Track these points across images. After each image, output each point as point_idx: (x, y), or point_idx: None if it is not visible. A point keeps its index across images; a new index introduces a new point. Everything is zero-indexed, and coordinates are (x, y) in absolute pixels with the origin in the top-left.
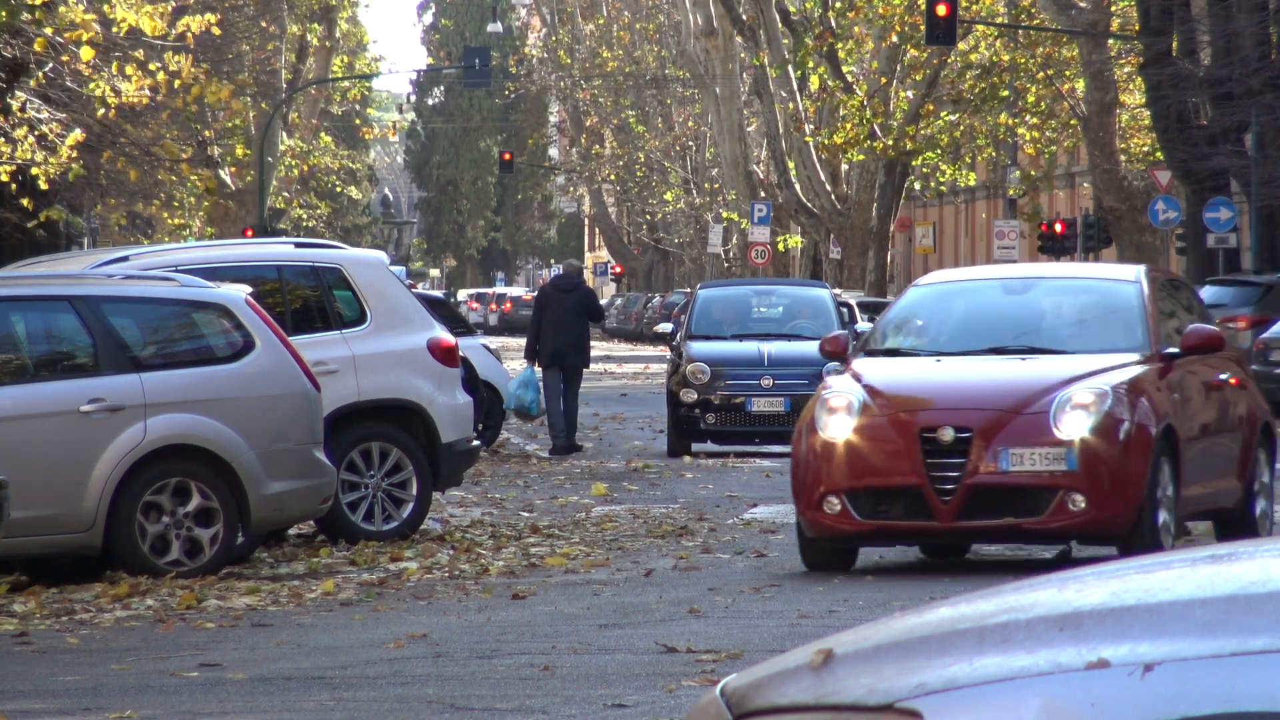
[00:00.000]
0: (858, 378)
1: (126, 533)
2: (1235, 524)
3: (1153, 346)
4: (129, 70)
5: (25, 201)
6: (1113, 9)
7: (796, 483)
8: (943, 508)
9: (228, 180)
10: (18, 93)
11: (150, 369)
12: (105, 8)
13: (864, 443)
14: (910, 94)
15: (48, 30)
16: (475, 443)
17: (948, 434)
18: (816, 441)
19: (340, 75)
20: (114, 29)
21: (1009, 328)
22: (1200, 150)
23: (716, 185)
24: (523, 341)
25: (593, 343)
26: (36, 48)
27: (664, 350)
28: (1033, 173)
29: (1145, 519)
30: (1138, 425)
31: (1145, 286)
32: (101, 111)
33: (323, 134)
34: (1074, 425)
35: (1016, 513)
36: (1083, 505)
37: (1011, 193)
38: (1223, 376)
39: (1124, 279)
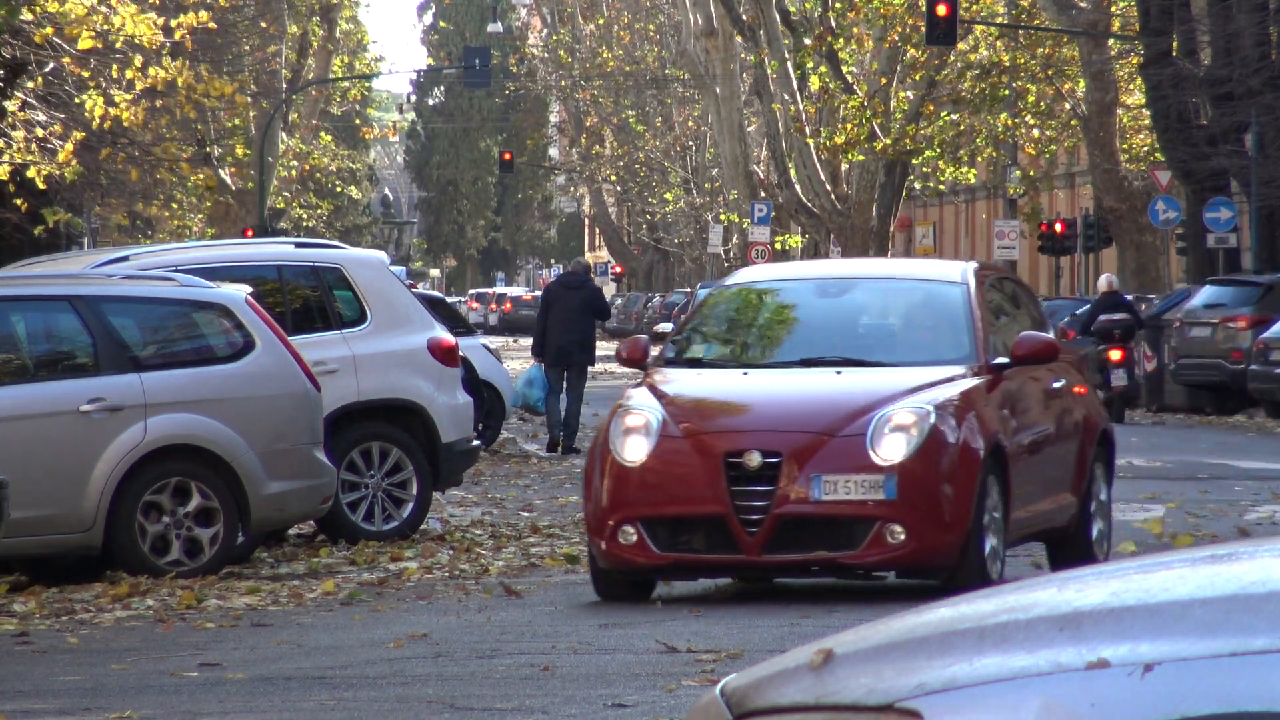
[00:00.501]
0: (657, 392)
1: (126, 533)
2: (1069, 545)
3: (980, 357)
4: (129, 74)
5: (20, 203)
6: (1113, 9)
7: (589, 509)
8: (749, 539)
9: (228, 180)
10: (16, 94)
11: (150, 369)
12: (100, 18)
13: (663, 466)
14: (910, 94)
15: (47, 30)
16: (475, 443)
17: (754, 458)
18: (611, 464)
19: (340, 75)
20: (111, 37)
21: (823, 336)
22: (1200, 150)
23: (716, 185)
24: (523, 341)
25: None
26: (38, 39)
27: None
28: (1032, 173)
29: (971, 549)
30: (963, 448)
31: (972, 288)
32: (96, 122)
33: (323, 134)
34: (893, 449)
35: (830, 545)
36: (902, 537)
37: (1011, 193)
38: (1058, 384)
39: (949, 279)
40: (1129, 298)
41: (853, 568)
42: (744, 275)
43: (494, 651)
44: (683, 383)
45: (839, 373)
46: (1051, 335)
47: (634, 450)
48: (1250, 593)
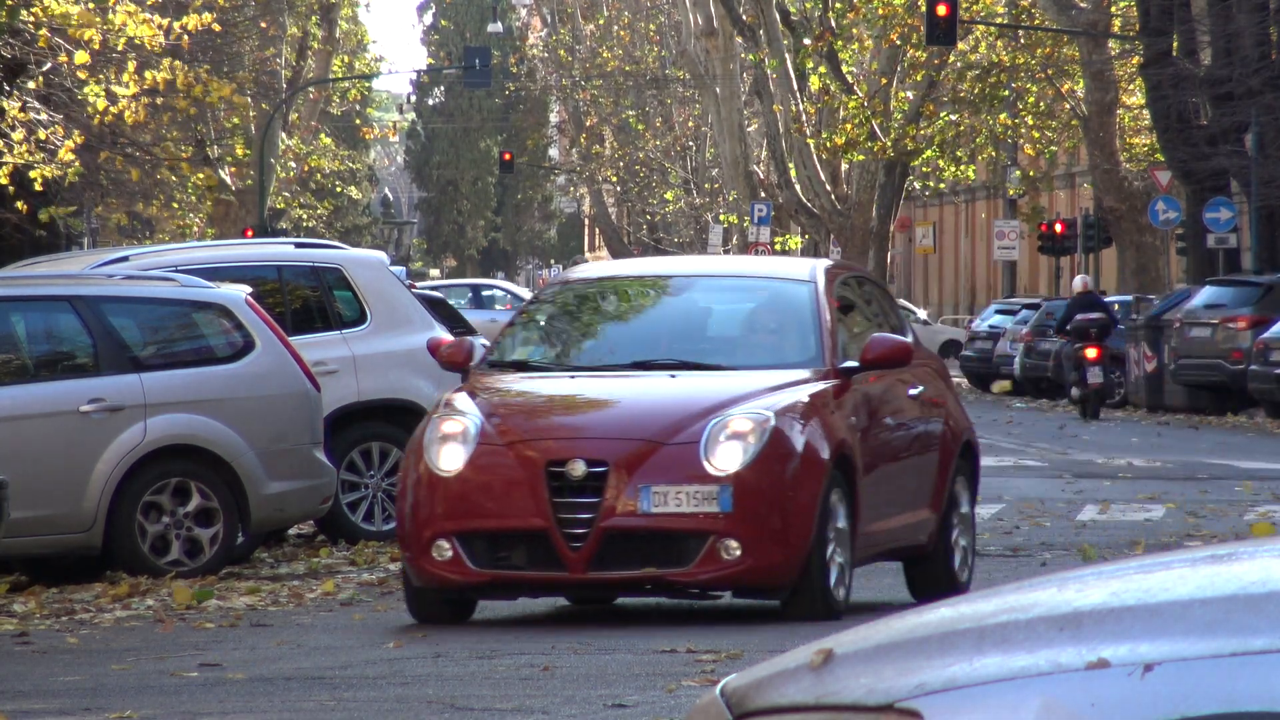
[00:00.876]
0: (478, 397)
1: (126, 533)
2: (928, 564)
3: (827, 360)
4: (125, 77)
5: (20, 204)
6: (1113, 9)
7: (402, 523)
8: (573, 556)
9: (228, 180)
10: (17, 93)
11: (150, 369)
12: (100, 22)
13: (481, 477)
14: (910, 94)
15: (43, 33)
16: None
17: (579, 468)
18: (426, 474)
19: (340, 75)
20: (111, 40)
21: (659, 337)
22: (1200, 150)
23: (716, 185)
24: None
25: None
26: (41, 43)
27: None
28: (1032, 173)
29: (813, 567)
30: (806, 457)
31: (821, 287)
32: (97, 119)
33: (322, 134)
34: (728, 458)
35: (660, 562)
36: (738, 553)
37: (1011, 193)
38: (915, 391)
39: (796, 278)
40: (1104, 298)
41: (684, 586)
42: (578, 272)
43: (494, 651)
44: (505, 387)
45: (674, 376)
46: (906, 339)
47: (450, 459)
48: (1250, 593)
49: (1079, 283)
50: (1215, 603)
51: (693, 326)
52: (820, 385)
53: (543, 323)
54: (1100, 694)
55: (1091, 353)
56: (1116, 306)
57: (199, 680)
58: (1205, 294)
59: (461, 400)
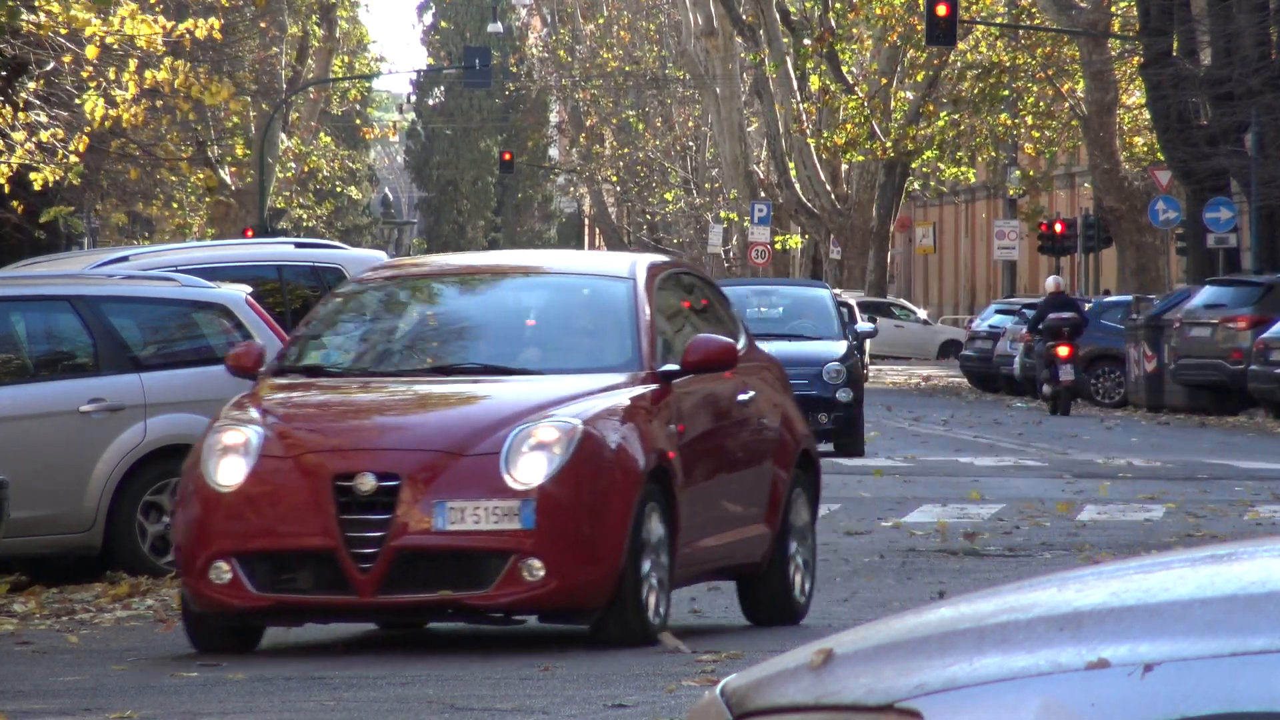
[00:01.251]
0: (262, 405)
1: (126, 533)
2: (762, 584)
3: (645, 363)
4: (125, 77)
5: (15, 204)
6: (1113, 9)
7: (178, 543)
8: (362, 578)
9: (228, 180)
10: (18, 95)
11: (150, 369)
12: (100, 24)
13: (262, 492)
14: (910, 94)
15: (49, 26)
16: None
17: (368, 482)
18: (203, 489)
19: (340, 75)
20: (110, 40)
21: (463, 339)
22: (1200, 150)
23: (716, 185)
24: None
25: None
26: (42, 33)
27: None
28: (1032, 173)
29: (626, 588)
30: (617, 469)
31: (641, 285)
32: (96, 122)
33: (322, 134)
34: (532, 470)
35: (456, 584)
36: (542, 574)
37: (1011, 193)
38: (746, 397)
39: (614, 274)
40: (1076, 298)
41: (484, 610)
42: (379, 269)
43: (494, 651)
44: (291, 394)
45: (477, 382)
46: (731, 340)
47: (229, 473)
48: (1250, 593)
49: (1051, 283)
50: (1215, 603)
51: (500, 327)
52: (637, 390)
53: (338, 324)
54: (1100, 694)
55: (1063, 351)
56: (1088, 306)
57: (199, 680)
58: (1205, 294)
59: (244, 409)
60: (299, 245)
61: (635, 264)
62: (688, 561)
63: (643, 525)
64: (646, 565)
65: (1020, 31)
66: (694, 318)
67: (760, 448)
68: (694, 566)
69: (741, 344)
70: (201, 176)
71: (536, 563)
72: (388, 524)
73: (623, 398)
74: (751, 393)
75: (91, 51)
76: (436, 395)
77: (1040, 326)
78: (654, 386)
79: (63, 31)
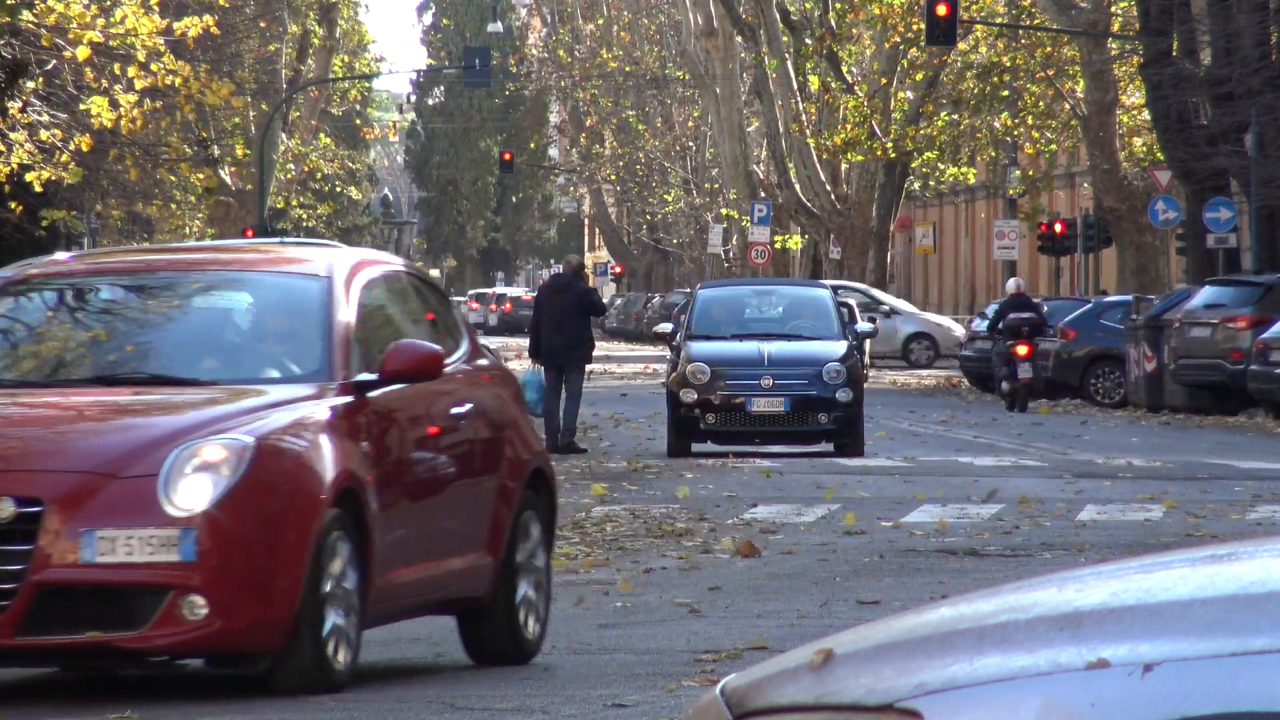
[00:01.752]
0: None
1: None
2: (486, 619)
3: (337, 373)
4: (131, 72)
5: (14, 205)
6: (1113, 9)
7: None
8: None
9: (228, 180)
10: (18, 95)
11: None
12: (101, 22)
13: None
14: (910, 94)
15: (48, 22)
16: None
17: (6, 508)
18: None
19: (340, 75)
20: (113, 39)
21: (128, 345)
22: (1200, 150)
23: (716, 185)
24: (523, 341)
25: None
26: (44, 41)
27: (664, 350)
28: (1032, 173)
29: (304, 628)
30: (295, 493)
31: (337, 285)
32: (97, 123)
33: (322, 135)
34: (194, 495)
35: (106, 624)
36: (204, 613)
37: (1011, 193)
38: (463, 410)
39: (307, 272)
40: (1035, 300)
41: (139, 653)
42: (46, 263)
43: None
44: None
45: (141, 394)
46: (437, 348)
47: None
48: (1250, 593)
49: (1012, 285)
50: (1215, 603)
51: (171, 331)
52: (325, 403)
53: (8, 328)
54: (1100, 694)
55: (1022, 350)
56: (1045, 309)
57: (199, 680)
58: (1205, 294)
59: None
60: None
61: (334, 261)
62: (386, 596)
63: (326, 556)
64: (331, 603)
65: (1020, 31)
66: (408, 324)
67: (479, 467)
68: (395, 602)
69: (461, 352)
70: (201, 176)
71: (199, 600)
72: (28, 556)
73: (308, 411)
74: (468, 405)
75: (83, 52)
76: (94, 409)
77: (1000, 326)
78: (347, 399)
79: (69, 28)
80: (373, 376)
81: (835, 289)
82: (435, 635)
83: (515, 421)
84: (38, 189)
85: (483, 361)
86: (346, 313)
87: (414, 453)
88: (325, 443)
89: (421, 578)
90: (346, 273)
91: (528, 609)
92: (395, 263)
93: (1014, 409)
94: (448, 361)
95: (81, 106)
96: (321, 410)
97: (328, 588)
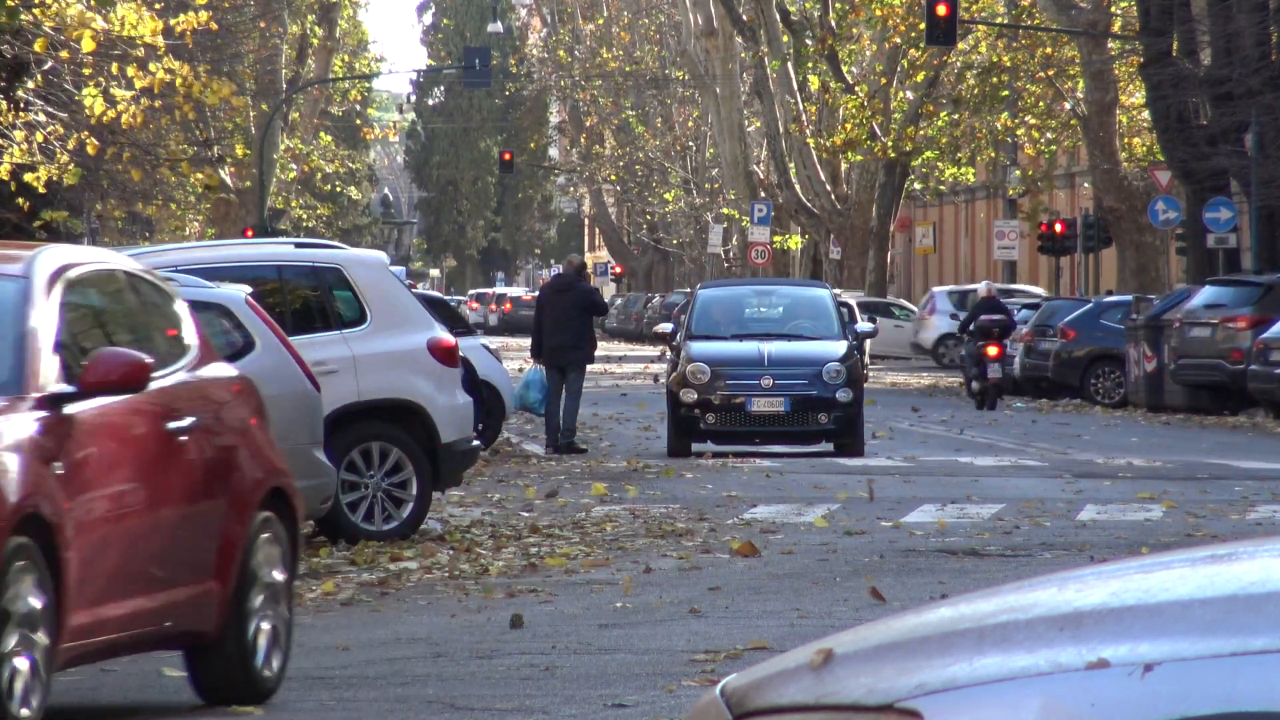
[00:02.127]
0: None
1: None
2: (216, 653)
3: (31, 385)
4: (130, 71)
5: (21, 202)
6: (1113, 9)
7: None
8: None
9: (228, 180)
10: (18, 94)
11: None
12: (99, 23)
13: None
14: (910, 94)
15: (48, 24)
16: (475, 443)
17: None
18: None
19: (340, 75)
20: (113, 36)
21: None
22: (1200, 150)
23: (716, 185)
24: (523, 341)
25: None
26: (37, 48)
27: (664, 350)
28: (1032, 173)
29: None
30: None
31: (37, 286)
32: (95, 120)
33: (322, 134)
34: None
35: None
36: None
37: (1011, 193)
38: (183, 424)
39: (3, 272)
40: (1005, 303)
41: None
42: None
43: (494, 651)
44: None
45: None
46: (142, 357)
47: None
48: (1250, 593)
49: (983, 288)
50: (1215, 603)
51: None
52: (12, 419)
53: None
54: (1100, 694)
55: (992, 350)
56: (1015, 311)
57: None
58: (1205, 294)
59: None
60: (299, 245)
61: (36, 259)
62: (88, 633)
63: (3, 592)
64: (11, 642)
65: (1020, 31)
66: (121, 331)
67: (204, 488)
68: (100, 639)
69: (185, 360)
70: (201, 176)
71: None
72: None
73: None
74: (191, 419)
75: (88, 45)
76: None
77: (971, 327)
78: (40, 414)
79: (69, 28)
80: (71, 389)
81: (887, 304)
82: (435, 635)
83: (251, 437)
84: (40, 189)
85: (217, 372)
86: (44, 317)
87: (121, 473)
88: (10, 463)
89: (130, 613)
90: (49, 273)
91: (264, 642)
92: (113, 261)
93: (983, 407)
94: (165, 372)
95: (77, 98)
96: (9, 427)
97: (8, 627)
